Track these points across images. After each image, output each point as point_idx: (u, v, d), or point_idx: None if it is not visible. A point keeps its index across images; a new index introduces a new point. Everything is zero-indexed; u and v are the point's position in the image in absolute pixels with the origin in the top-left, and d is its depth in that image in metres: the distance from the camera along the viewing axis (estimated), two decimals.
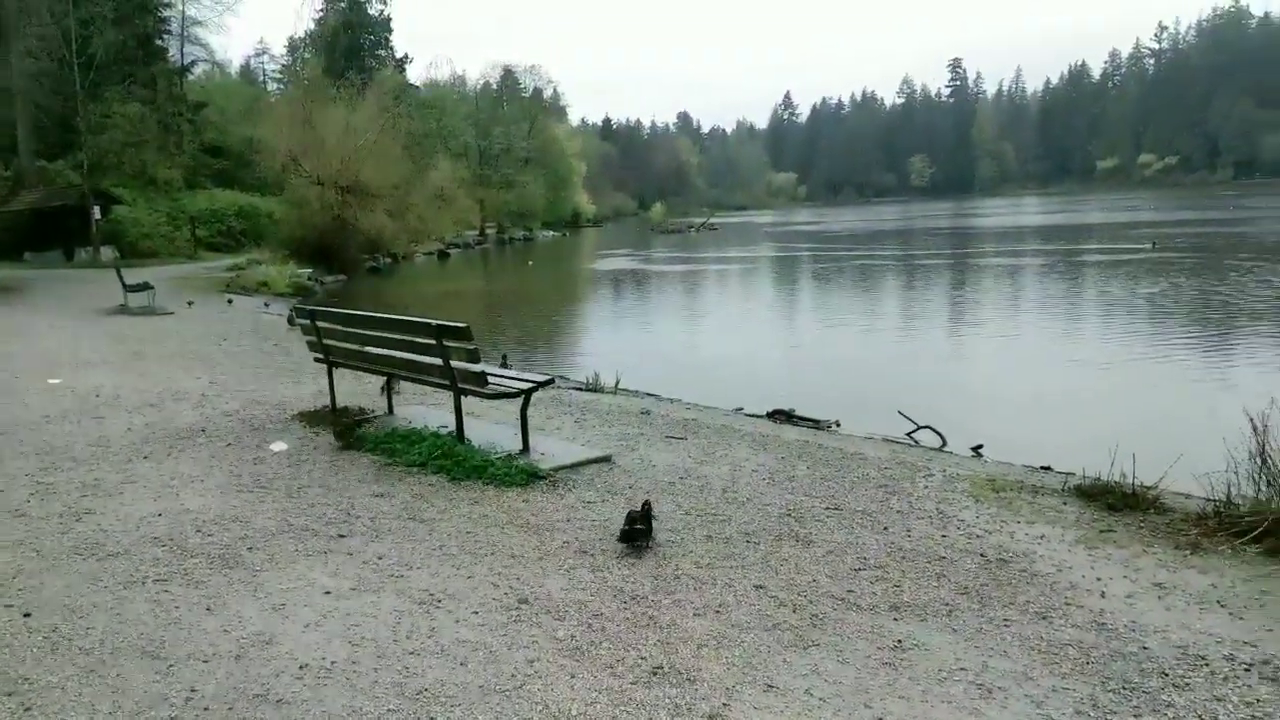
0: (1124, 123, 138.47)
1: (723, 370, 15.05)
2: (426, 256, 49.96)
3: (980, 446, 8.96)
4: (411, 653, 4.30)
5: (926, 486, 6.88)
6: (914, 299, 24.84)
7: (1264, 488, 5.79)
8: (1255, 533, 5.53)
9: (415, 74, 72.97)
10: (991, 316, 20.34)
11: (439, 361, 7.33)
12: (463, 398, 7.55)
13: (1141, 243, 36.77)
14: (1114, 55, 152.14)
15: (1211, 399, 11.51)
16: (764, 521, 6.09)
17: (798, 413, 10.13)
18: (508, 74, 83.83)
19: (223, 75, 66.83)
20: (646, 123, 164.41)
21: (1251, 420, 5.84)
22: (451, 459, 7.21)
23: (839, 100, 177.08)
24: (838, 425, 9.84)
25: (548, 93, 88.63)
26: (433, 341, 7.29)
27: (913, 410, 10.03)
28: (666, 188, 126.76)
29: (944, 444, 9.27)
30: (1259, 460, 5.80)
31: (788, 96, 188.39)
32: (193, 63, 57.00)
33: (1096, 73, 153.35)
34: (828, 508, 6.38)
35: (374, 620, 4.66)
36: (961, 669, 4.10)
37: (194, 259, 38.86)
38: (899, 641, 4.37)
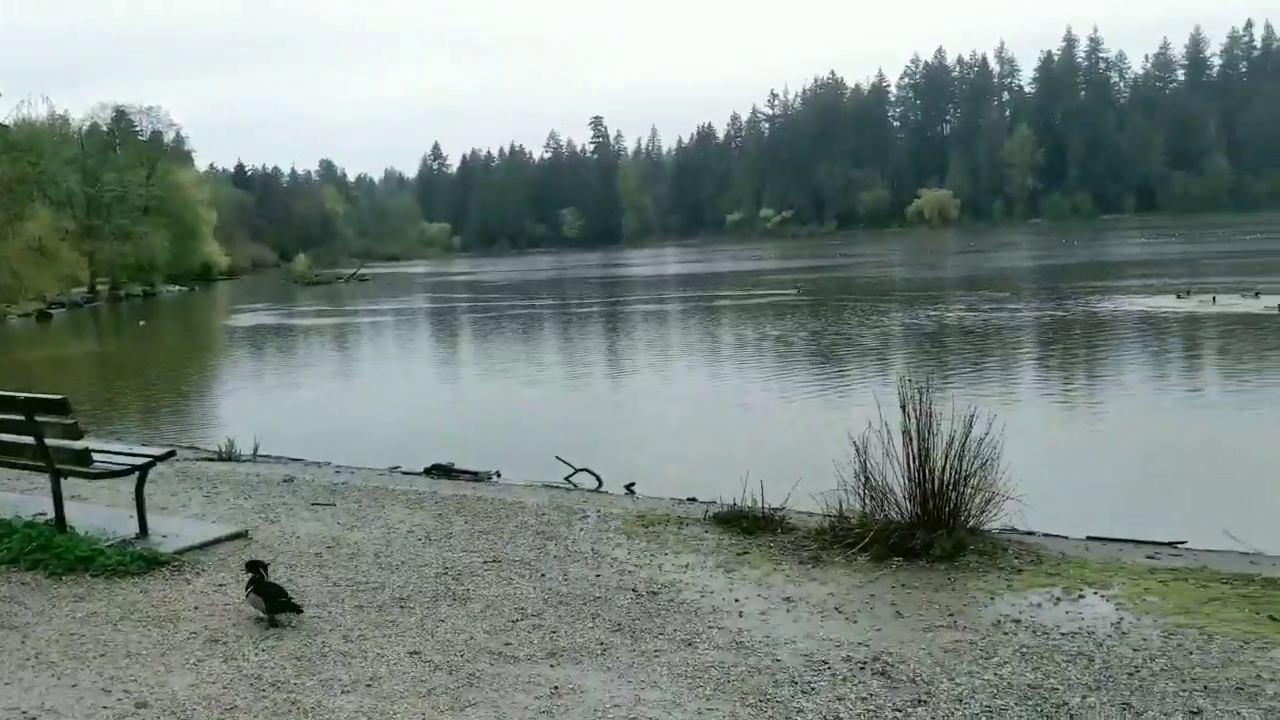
0: (746, 180, 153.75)
1: (377, 428, 14.54)
2: (24, 318, 43.70)
3: (633, 484, 9.34)
4: None
5: (582, 529, 7.02)
6: (572, 346, 25.66)
7: (868, 502, 6.51)
8: (864, 542, 6.20)
9: (2, 112, 64.09)
10: (646, 360, 21.48)
11: (30, 440, 6.35)
12: (63, 480, 6.59)
13: (786, 288, 40.35)
14: (735, 118, 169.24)
15: (828, 424, 12.86)
16: (420, 583, 5.87)
17: (457, 466, 9.98)
18: (120, 115, 76.01)
19: None
20: (286, 169, 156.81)
21: (854, 443, 6.56)
22: (50, 551, 6.23)
23: (488, 152, 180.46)
24: (498, 476, 9.82)
25: (169, 136, 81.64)
26: (21, 418, 6.31)
27: (571, 454, 10.26)
28: (311, 237, 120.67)
29: (600, 485, 9.56)
30: (862, 478, 6.52)
31: (436, 147, 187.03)
32: None
33: (721, 134, 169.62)
34: (486, 561, 6.29)
35: None
36: (615, 706, 4.16)
37: None
38: (556, 688, 4.36)
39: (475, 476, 9.65)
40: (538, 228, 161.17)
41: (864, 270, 52.66)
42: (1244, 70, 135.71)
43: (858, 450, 6.51)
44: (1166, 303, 24.95)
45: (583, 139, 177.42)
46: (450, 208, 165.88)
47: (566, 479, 9.81)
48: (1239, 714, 3.92)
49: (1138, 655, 4.51)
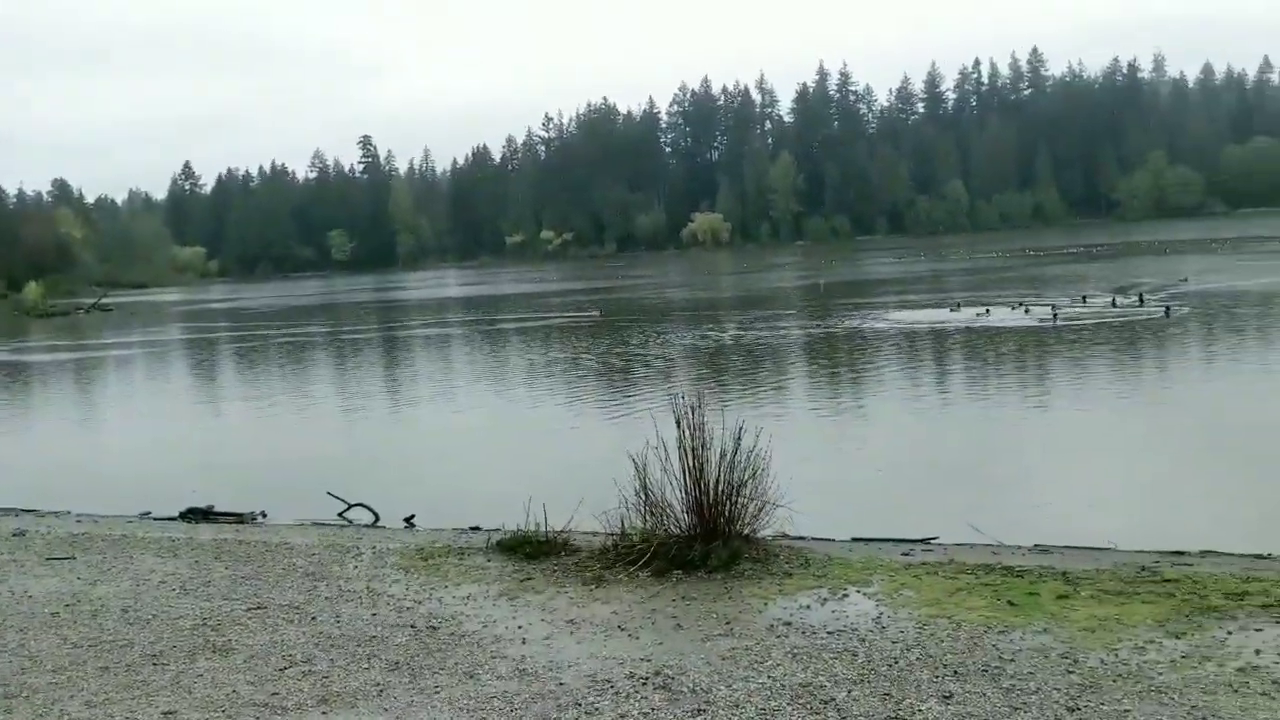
0: (525, 202, 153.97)
1: (125, 472, 13.33)
2: None
3: (412, 517, 9.04)
4: None
5: (356, 567, 6.72)
6: (346, 376, 24.58)
7: (648, 518, 6.62)
8: (645, 558, 6.30)
9: None
10: (428, 388, 20.85)
11: None
12: None
13: (586, 309, 39.68)
14: (510, 140, 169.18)
15: (613, 444, 12.96)
16: (174, 638, 5.41)
17: (217, 509, 9.31)
18: None
19: None
20: (11, 190, 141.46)
21: (634, 460, 6.66)
22: None
23: (247, 172, 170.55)
24: (263, 516, 9.26)
25: None
26: None
27: (346, 489, 9.81)
28: (45, 265, 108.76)
29: (377, 519, 9.20)
30: (643, 495, 6.63)
31: (188, 166, 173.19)
32: None
33: (497, 155, 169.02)
34: (250, 608, 5.89)
35: None
36: None
37: None
38: None
39: (238, 519, 9.05)
40: (304, 251, 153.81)
41: (647, 291, 53.92)
42: (974, 104, 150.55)
43: (637, 467, 6.62)
44: (940, 315, 26.87)
45: (351, 158, 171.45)
46: (205, 231, 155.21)
47: (340, 515, 9.38)
48: (984, 694, 4.26)
49: (895, 647, 4.82)
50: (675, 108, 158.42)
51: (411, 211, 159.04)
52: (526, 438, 14.49)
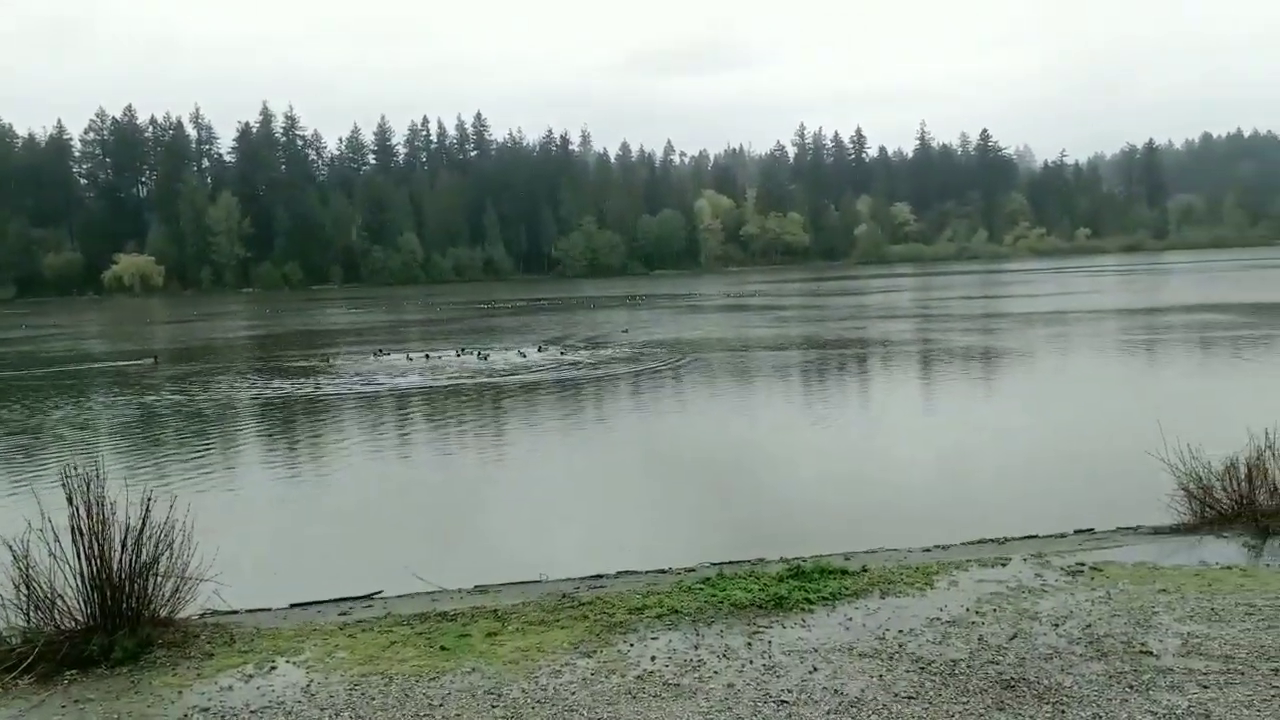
0: None
1: None
2: None
3: None
4: None
5: None
6: None
7: (33, 614, 5.59)
8: (27, 663, 5.30)
9: None
10: None
11: None
12: None
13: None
14: None
15: None
16: None
17: None
18: None
19: None
20: None
21: (11, 547, 5.57)
22: None
23: None
24: None
25: None
26: None
27: None
28: None
29: None
30: (24, 588, 5.58)
31: None
32: None
33: None
34: None
35: None
36: None
37: None
38: None
39: None
40: None
41: (61, 343, 46.54)
42: (425, 159, 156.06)
43: (16, 556, 5.57)
44: (397, 365, 26.80)
45: None
46: None
47: None
48: None
49: (325, 714, 4.61)
50: (92, 135, 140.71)
51: None
52: None
